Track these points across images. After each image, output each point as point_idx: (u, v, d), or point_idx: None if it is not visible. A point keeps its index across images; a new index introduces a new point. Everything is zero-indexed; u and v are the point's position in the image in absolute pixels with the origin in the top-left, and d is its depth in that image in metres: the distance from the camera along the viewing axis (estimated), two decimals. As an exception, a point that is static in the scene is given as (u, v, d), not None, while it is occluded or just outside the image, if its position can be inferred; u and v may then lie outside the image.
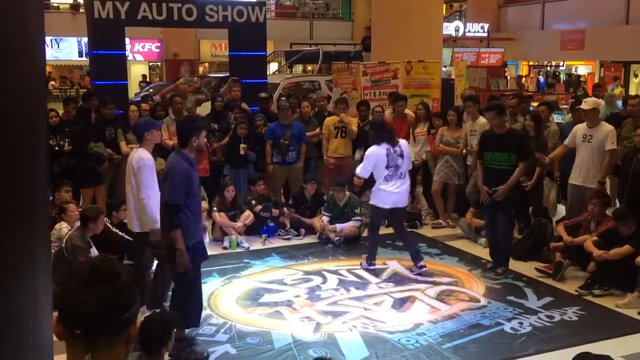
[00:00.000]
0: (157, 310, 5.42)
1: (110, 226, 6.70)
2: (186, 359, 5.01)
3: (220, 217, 8.08)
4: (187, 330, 5.25)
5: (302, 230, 8.49)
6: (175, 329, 4.68)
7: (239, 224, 8.11)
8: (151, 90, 18.84)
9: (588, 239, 6.70)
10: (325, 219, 8.33)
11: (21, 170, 1.04)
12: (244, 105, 9.79)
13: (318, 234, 8.36)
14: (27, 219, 1.08)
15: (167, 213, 4.95)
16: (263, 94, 10.10)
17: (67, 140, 8.27)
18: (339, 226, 8.17)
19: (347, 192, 8.41)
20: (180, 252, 4.91)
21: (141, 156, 5.63)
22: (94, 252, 6.20)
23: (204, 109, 10.94)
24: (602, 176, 7.30)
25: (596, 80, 21.74)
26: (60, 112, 9.04)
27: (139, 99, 10.70)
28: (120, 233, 6.89)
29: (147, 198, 5.59)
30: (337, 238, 8.08)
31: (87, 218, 6.20)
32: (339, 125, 9.20)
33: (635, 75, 20.88)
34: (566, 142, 7.64)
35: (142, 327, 3.90)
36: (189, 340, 5.18)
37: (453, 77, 13.73)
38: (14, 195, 1.04)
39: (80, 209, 7.38)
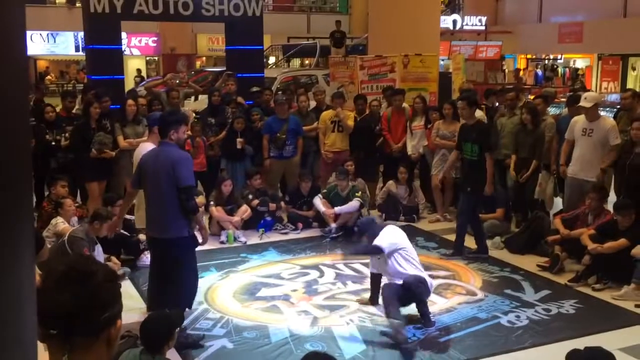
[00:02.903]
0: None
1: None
2: (183, 343, 5.00)
3: (217, 211, 8.07)
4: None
5: (299, 225, 8.48)
6: (178, 328, 4.67)
7: (236, 218, 8.10)
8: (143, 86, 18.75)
9: (585, 232, 6.70)
10: (318, 199, 8.32)
11: (3, 166, 1.03)
12: (240, 100, 9.77)
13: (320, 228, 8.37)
14: (9, 214, 1.07)
15: (185, 197, 5.01)
16: (254, 88, 10.06)
17: (64, 135, 8.24)
18: (337, 209, 8.17)
19: (350, 182, 8.43)
20: (204, 229, 5.36)
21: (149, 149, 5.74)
22: (99, 250, 6.20)
23: (201, 104, 10.93)
24: (605, 165, 7.32)
25: (594, 74, 21.74)
26: (58, 107, 9.01)
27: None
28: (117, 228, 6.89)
29: None
30: (333, 226, 8.09)
31: (95, 217, 6.21)
32: (335, 119, 9.20)
33: (633, 69, 20.86)
34: (567, 136, 7.63)
35: (143, 325, 3.92)
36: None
37: (450, 70, 13.71)
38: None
39: (77, 204, 7.39)
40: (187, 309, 5.39)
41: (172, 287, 5.20)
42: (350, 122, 9.16)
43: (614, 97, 15.75)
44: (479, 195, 7.33)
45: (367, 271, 6.88)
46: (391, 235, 5.63)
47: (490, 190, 7.18)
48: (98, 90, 8.46)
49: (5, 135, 1.06)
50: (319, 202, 8.34)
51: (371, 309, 5.92)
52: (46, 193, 7.83)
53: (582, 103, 7.37)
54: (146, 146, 5.88)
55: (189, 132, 7.39)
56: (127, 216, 7.20)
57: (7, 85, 1.04)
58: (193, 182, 5.14)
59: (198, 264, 5.54)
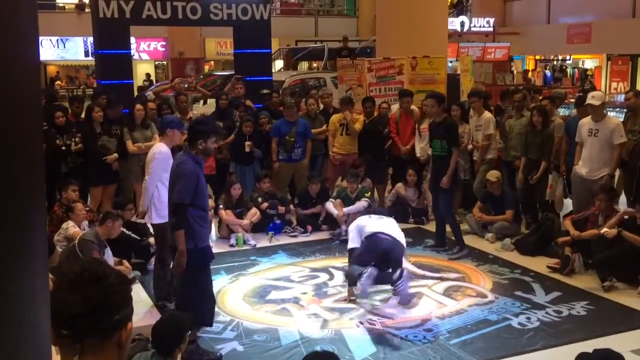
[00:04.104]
0: (169, 311, 5.45)
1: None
2: None
3: (226, 214, 8.09)
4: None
5: (309, 227, 8.49)
6: (189, 331, 4.68)
7: (245, 221, 8.12)
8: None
9: (596, 233, 6.67)
10: (330, 204, 8.38)
11: (16, 170, 1.04)
12: (249, 103, 9.80)
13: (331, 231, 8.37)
14: (23, 218, 1.08)
15: (175, 213, 4.92)
16: (265, 90, 10.10)
17: (73, 139, 8.29)
18: (345, 210, 8.19)
19: (359, 185, 8.45)
20: (180, 253, 4.88)
21: (160, 149, 5.84)
22: (109, 253, 6.22)
23: (210, 108, 10.96)
24: (611, 169, 7.30)
25: (603, 74, 21.63)
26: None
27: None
28: (127, 232, 6.93)
29: (153, 187, 5.70)
30: (342, 229, 8.11)
31: (107, 216, 6.24)
32: (343, 121, 9.22)
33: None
34: (577, 139, 7.62)
35: (155, 328, 3.93)
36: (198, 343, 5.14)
37: (459, 72, 13.68)
38: (8, 194, 1.04)
39: (87, 208, 7.43)
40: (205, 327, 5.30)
41: (182, 291, 5.21)
42: (358, 126, 9.16)
43: (624, 98, 15.67)
44: (454, 188, 7.62)
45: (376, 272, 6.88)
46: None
47: (447, 182, 7.30)
48: (111, 98, 8.50)
49: (18, 140, 1.07)
50: (331, 206, 8.37)
51: (381, 311, 5.91)
52: (57, 197, 7.87)
53: (589, 101, 7.37)
54: (157, 147, 5.90)
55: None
56: (138, 220, 7.25)
57: (20, 91, 1.05)
58: (184, 200, 4.87)
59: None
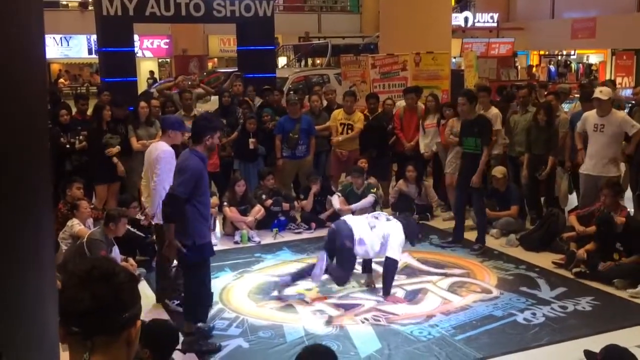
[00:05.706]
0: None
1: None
2: (198, 351, 5.03)
3: (231, 211, 8.10)
4: (200, 324, 5.28)
5: (313, 224, 8.49)
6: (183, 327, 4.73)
7: (249, 218, 8.13)
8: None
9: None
10: (336, 197, 8.41)
11: (23, 167, 1.04)
12: (248, 100, 9.79)
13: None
14: (30, 215, 1.09)
15: (168, 204, 4.96)
16: (265, 87, 10.08)
17: (78, 137, 8.30)
18: (353, 206, 8.20)
19: (365, 181, 8.45)
20: (169, 244, 4.97)
21: (163, 148, 5.81)
22: (116, 251, 6.23)
23: (213, 105, 10.97)
24: (629, 150, 7.40)
25: (608, 69, 21.57)
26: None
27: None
28: (132, 229, 6.94)
29: (162, 189, 5.69)
30: None
31: (109, 218, 6.24)
32: (345, 122, 9.19)
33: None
34: (578, 130, 7.58)
35: (150, 333, 3.85)
36: (201, 334, 5.21)
37: (462, 68, 13.66)
38: (16, 192, 1.04)
39: (92, 206, 7.44)
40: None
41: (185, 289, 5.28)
42: (359, 125, 9.09)
43: (629, 92, 15.63)
44: (486, 187, 7.64)
45: (380, 270, 6.88)
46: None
47: (477, 180, 7.27)
48: (117, 100, 8.50)
49: (25, 138, 1.08)
50: (336, 200, 8.38)
51: (386, 307, 5.91)
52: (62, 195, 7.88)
53: (597, 95, 7.29)
54: (157, 146, 5.90)
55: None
56: (143, 217, 7.25)
57: (27, 90, 1.05)
58: (180, 194, 4.89)
59: (213, 264, 5.59)
